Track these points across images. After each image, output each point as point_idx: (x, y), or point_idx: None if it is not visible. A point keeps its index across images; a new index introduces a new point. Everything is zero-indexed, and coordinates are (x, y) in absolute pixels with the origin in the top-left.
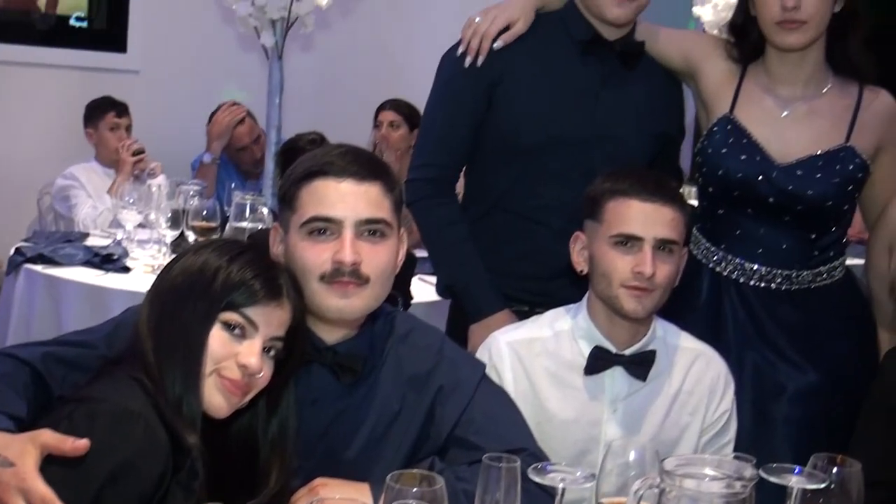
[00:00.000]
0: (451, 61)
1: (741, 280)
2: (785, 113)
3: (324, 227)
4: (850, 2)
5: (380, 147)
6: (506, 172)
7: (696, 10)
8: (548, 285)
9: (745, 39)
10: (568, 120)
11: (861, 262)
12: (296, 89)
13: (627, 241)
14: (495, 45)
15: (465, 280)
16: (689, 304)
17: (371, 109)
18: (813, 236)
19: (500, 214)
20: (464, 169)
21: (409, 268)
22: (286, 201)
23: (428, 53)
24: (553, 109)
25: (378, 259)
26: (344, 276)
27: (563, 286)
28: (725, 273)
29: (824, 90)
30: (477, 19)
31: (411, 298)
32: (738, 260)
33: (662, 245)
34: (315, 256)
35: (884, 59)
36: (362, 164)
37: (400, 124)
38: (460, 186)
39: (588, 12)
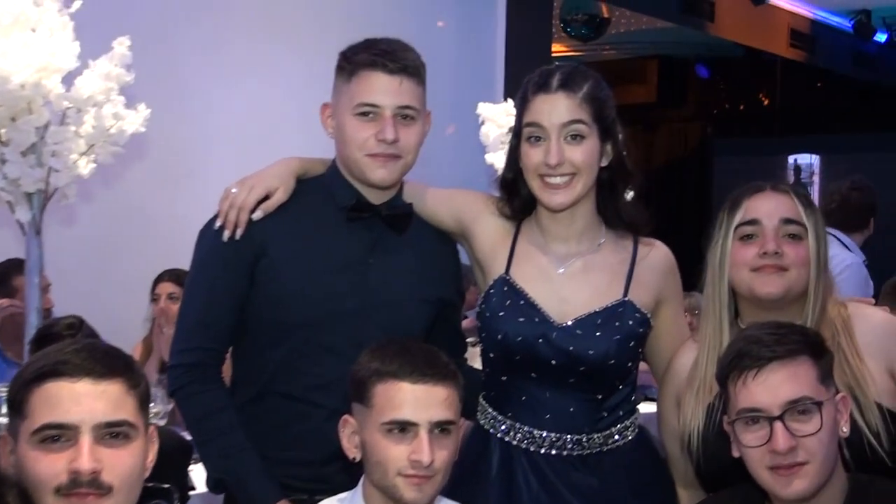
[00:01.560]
0: (208, 236)
1: (531, 448)
2: (561, 270)
3: (57, 435)
4: (617, 154)
5: (159, 322)
6: (275, 351)
7: (489, 157)
8: (323, 470)
9: (517, 196)
10: (337, 292)
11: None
12: (58, 267)
13: (401, 428)
14: (254, 216)
15: (237, 472)
16: (480, 476)
17: (146, 282)
18: (600, 397)
19: (271, 397)
20: (230, 349)
21: (185, 456)
22: (15, 407)
23: (203, 219)
24: (321, 282)
25: (122, 465)
26: (82, 486)
27: (339, 471)
28: (515, 442)
29: (598, 244)
30: (233, 190)
31: (191, 489)
32: (526, 428)
33: (439, 427)
34: (48, 467)
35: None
36: (100, 361)
37: (180, 296)
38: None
39: (351, 176)
